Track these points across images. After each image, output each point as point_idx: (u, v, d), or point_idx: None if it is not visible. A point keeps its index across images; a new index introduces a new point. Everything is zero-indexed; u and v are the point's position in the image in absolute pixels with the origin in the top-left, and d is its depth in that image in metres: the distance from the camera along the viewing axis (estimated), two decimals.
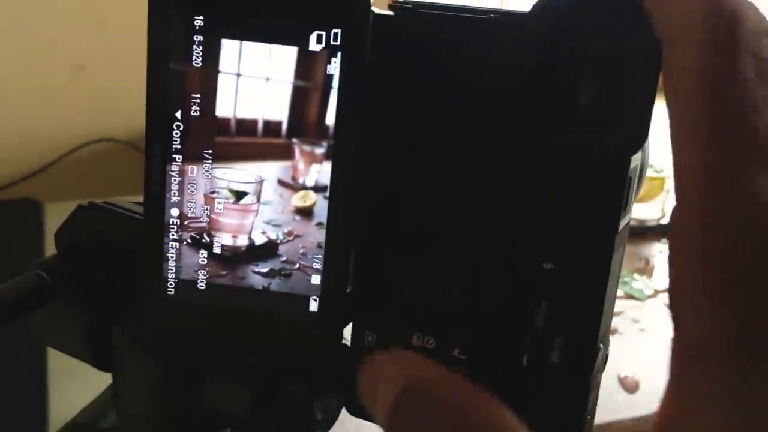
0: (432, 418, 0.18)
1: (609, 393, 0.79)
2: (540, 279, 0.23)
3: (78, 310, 0.31)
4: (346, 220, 0.24)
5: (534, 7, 0.22)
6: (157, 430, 0.31)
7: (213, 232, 0.25)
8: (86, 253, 0.31)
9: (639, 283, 1.02)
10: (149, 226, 0.25)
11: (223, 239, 0.25)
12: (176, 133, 0.24)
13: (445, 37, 0.23)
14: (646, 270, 1.07)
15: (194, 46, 0.23)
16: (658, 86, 0.20)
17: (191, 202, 0.24)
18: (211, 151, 0.24)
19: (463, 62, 0.23)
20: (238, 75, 0.23)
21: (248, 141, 0.24)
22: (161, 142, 0.24)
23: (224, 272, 0.25)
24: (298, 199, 0.24)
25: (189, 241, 0.25)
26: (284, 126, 0.24)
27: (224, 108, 0.24)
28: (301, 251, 0.24)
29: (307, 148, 0.24)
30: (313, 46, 0.23)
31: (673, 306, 0.16)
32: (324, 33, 0.23)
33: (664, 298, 0.96)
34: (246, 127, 0.24)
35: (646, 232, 1.13)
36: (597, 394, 0.24)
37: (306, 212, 0.24)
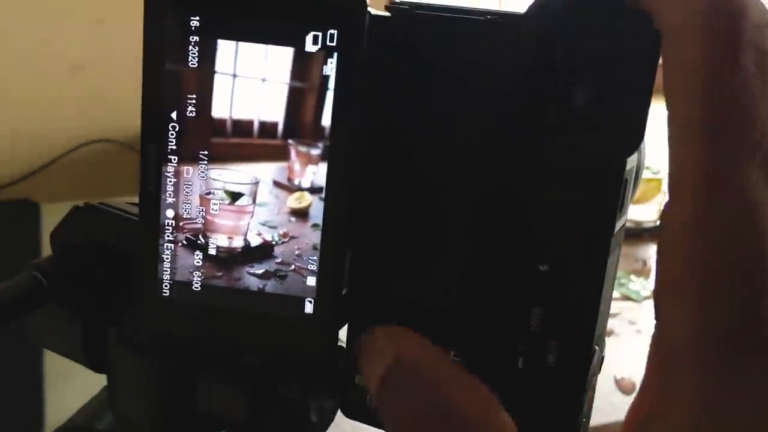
0: (416, 392, 0.18)
1: (605, 395, 0.79)
2: (535, 281, 0.23)
3: (73, 312, 0.31)
4: (342, 221, 0.24)
5: (530, 8, 0.22)
6: None
7: (208, 234, 0.25)
8: (81, 255, 0.31)
9: (636, 284, 1.02)
10: (144, 228, 0.25)
11: (218, 240, 0.25)
12: (172, 134, 0.24)
13: (442, 39, 0.23)
14: (643, 271, 1.07)
15: (190, 47, 0.23)
16: (655, 87, 0.20)
17: (186, 203, 0.24)
18: (206, 152, 0.24)
19: (460, 63, 0.23)
20: (234, 76, 0.23)
21: (244, 142, 0.24)
22: (156, 142, 0.24)
23: (219, 274, 0.25)
24: (294, 201, 0.24)
25: (184, 242, 0.25)
26: (280, 127, 0.24)
27: (220, 109, 0.24)
28: (297, 253, 0.24)
29: (302, 149, 0.24)
30: (310, 47, 0.23)
31: (656, 302, 0.16)
32: (320, 34, 0.23)
33: None
34: (242, 128, 0.24)
35: (642, 234, 1.13)
36: (593, 396, 0.24)
37: (302, 214, 0.24)
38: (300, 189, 0.24)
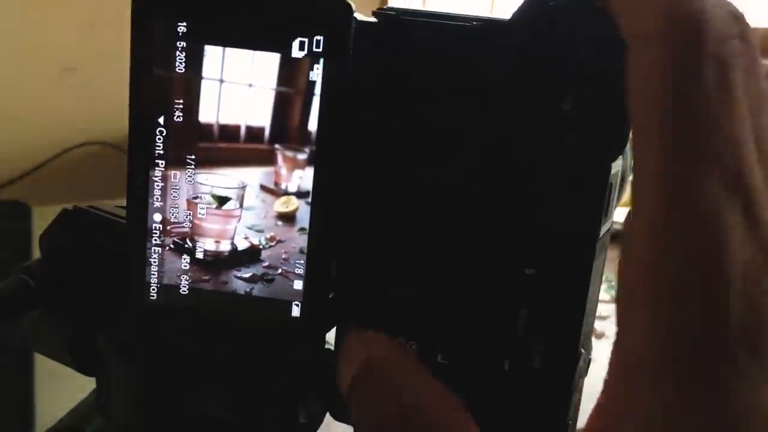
0: (382, 395, 0.19)
1: (594, 397, 0.79)
2: (521, 284, 0.23)
3: (62, 315, 0.31)
4: (329, 225, 0.24)
5: (515, 14, 0.22)
6: None
7: (196, 237, 0.25)
8: (70, 258, 0.31)
9: None
10: (132, 231, 0.25)
11: (205, 244, 0.25)
12: (159, 139, 0.24)
13: (428, 45, 0.23)
14: None
15: (177, 52, 0.23)
16: None
17: (174, 207, 0.24)
18: (193, 157, 0.24)
19: (446, 69, 0.23)
20: (221, 81, 0.23)
21: (231, 146, 0.24)
22: (144, 147, 0.24)
23: (207, 277, 0.25)
24: (281, 205, 0.24)
25: (172, 246, 0.25)
26: (267, 132, 0.24)
27: (207, 114, 0.24)
28: (284, 256, 0.24)
29: (289, 153, 0.24)
30: (296, 52, 0.23)
31: (617, 310, 0.16)
32: (307, 40, 0.23)
33: None
34: (229, 132, 0.24)
35: None
36: (579, 399, 0.24)
37: (288, 218, 0.24)
38: (287, 193, 0.24)
